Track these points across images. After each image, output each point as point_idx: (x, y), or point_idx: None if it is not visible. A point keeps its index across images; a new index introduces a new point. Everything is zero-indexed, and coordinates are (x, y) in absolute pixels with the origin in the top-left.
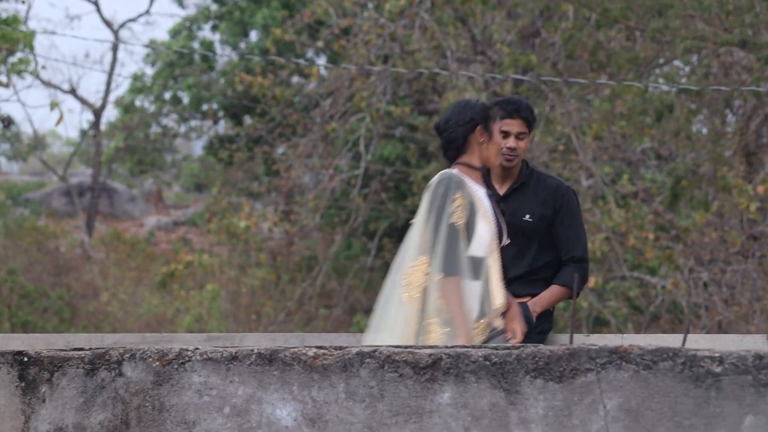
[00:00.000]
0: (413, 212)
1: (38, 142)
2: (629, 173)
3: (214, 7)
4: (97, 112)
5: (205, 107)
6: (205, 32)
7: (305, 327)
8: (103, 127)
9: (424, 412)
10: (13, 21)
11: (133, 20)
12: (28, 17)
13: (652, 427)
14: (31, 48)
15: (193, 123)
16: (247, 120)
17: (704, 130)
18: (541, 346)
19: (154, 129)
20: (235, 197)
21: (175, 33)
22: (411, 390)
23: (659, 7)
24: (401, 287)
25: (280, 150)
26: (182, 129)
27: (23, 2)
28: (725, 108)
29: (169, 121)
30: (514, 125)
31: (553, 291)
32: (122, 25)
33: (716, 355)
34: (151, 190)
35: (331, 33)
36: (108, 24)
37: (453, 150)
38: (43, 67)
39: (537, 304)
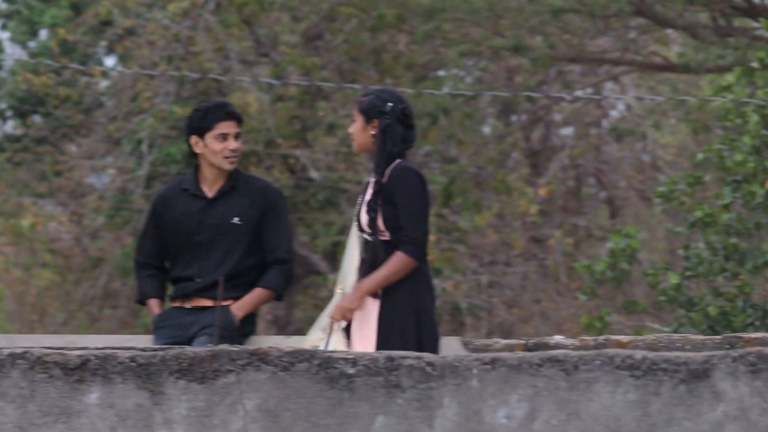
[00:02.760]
0: None
1: None
2: None
3: (3, 5)
4: None
5: None
6: None
7: (90, 327)
8: None
9: (72, 412)
10: None
11: None
12: None
13: (288, 427)
14: None
15: None
16: (36, 120)
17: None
18: (186, 347)
19: None
20: (25, 197)
21: None
22: (60, 390)
23: (430, 11)
24: None
25: (68, 150)
26: None
27: None
28: (507, 111)
29: None
30: (232, 126)
31: (256, 294)
32: None
33: (350, 356)
34: None
35: (115, 33)
36: None
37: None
38: None
39: (240, 308)
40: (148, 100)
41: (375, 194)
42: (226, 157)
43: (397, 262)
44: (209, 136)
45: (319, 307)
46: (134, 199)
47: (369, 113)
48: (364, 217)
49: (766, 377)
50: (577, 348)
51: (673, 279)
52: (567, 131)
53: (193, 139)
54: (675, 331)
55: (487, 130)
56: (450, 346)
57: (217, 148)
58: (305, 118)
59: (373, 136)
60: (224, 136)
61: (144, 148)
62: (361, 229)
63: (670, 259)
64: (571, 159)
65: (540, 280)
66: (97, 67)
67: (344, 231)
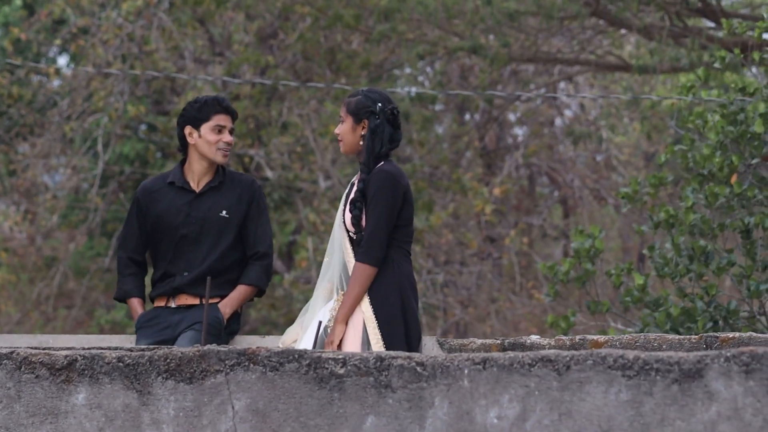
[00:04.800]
0: None
1: None
2: None
3: None
4: None
5: None
6: None
7: (44, 327)
8: None
9: (59, 412)
10: None
11: None
12: None
13: (278, 427)
14: None
15: None
16: None
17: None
18: (174, 347)
19: None
20: None
21: None
22: (47, 391)
23: (386, 12)
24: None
25: (22, 149)
26: None
27: None
28: (462, 111)
29: None
30: (228, 120)
31: (241, 291)
32: None
33: (340, 357)
34: None
35: (69, 32)
36: None
37: None
38: None
39: (227, 305)
40: (102, 99)
41: (360, 192)
42: (220, 149)
43: (355, 275)
44: (205, 127)
45: (275, 307)
46: (89, 198)
47: (359, 114)
48: (348, 216)
49: (759, 377)
50: (552, 348)
51: (638, 280)
52: (520, 131)
53: (188, 129)
54: (641, 332)
55: (440, 129)
56: (426, 346)
57: (213, 140)
58: (260, 118)
59: (362, 136)
60: (220, 129)
61: (98, 147)
62: (345, 228)
63: (623, 257)
64: (525, 158)
65: (495, 280)
66: (50, 65)
67: (299, 230)
